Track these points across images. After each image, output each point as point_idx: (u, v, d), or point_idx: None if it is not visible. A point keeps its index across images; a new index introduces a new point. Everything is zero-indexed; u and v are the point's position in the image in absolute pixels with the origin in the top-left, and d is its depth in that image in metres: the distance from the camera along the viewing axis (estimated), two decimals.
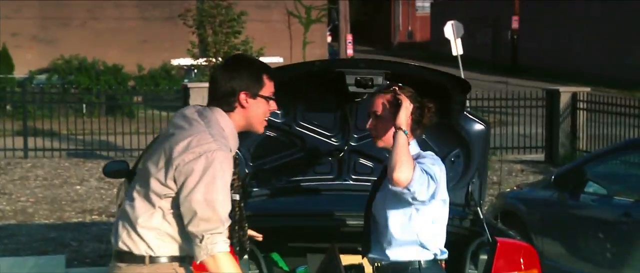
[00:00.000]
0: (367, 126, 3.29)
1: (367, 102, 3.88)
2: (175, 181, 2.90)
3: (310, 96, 4.18)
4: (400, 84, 3.27)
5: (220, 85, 3.04)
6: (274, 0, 26.37)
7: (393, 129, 3.19)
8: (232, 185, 3.00)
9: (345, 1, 23.26)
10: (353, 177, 4.36)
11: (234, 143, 3.05)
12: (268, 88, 3.08)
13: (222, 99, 3.03)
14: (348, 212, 4.11)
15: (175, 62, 23.22)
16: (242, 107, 3.03)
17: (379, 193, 3.28)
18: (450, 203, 3.37)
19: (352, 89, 3.82)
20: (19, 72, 22.79)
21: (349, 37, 24.36)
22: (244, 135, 3.81)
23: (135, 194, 3.02)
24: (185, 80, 17.31)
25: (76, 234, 8.56)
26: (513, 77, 24.38)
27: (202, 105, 3.13)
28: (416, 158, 3.19)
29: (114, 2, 26.27)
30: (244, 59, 3.19)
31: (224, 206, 2.90)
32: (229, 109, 3.04)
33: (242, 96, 3.02)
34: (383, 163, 3.33)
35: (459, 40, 18.17)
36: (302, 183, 4.37)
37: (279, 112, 4.15)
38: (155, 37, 25.60)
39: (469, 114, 4.10)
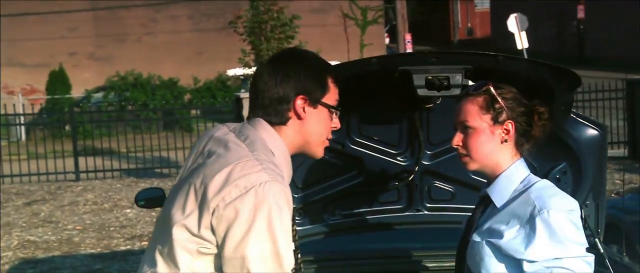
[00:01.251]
0: (454, 143, 2.33)
1: (441, 108, 2.99)
2: (213, 231, 2.05)
3: (366, 104, 3.18)
4: (493, 83, 2.33)
5: (267, 88, 2.21)
6: (328, 3, 25.67)
7: (492, 145, 2.29)
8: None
9: (402, 0, 22.34)
10: (428, 205, 3.39)
11: (287, 170, 2.21)
12: (332, 95, 2.27)
13: (271, 106, 2.21)
14: (425, 252, 3.21)
15: (230, 72, 22.68)
16: (299, 118, 2.22)
17: (476, 235, 2.33)
18: None
19: (421, 91, 2.80)
20: (77, 92, 22.58)
21: (408, 37, 23.40)
22: None
23: (157, 256, 2.14)
24: (242, 90, 16.64)
25: (123, 264, 7.97)
26: (581, 68, 23.34)
27: (237, 123, 2.28)
28: (525, 189, 2.28)
29: (168, 16, 25.95)
30: (301, 53, 2.32)
31: (288, 260, 2.07)
32: (279, 121, 2.21)
33: (299, 102, 2.21)
34: (481, 192, 2.38)
35: (523, 33, 17.57)
36: (363, 217, 3.42)
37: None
38: (209, 48, 25.19)
39: (578, 116, 3.11)
